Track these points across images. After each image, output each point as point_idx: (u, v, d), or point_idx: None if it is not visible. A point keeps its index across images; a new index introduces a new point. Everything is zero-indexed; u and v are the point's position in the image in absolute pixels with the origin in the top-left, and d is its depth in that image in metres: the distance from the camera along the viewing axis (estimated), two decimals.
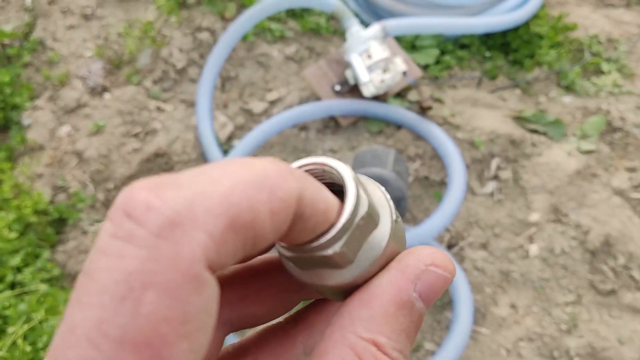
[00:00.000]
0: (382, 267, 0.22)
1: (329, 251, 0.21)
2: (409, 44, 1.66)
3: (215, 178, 0.17)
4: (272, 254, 0.25)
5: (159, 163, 1.46)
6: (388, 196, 0.24)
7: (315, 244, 0.21)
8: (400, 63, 1.40)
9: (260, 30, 1.68)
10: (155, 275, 0.15)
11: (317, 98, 1.52)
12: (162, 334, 0.14)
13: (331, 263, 0.22)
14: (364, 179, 0.24)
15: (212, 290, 0.16)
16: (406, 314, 0.21)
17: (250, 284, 0.24)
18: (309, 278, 0.23)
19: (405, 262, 0.21)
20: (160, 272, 0.15)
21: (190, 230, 0.15)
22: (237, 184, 0.17)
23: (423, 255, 0.21)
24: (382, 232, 0.23)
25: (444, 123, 1.47)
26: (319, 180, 0.23)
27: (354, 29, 1.40)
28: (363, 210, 0.22)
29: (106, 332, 0.14)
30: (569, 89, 1.60)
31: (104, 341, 0.14)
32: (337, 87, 1.48)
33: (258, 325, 0.25)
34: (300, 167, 0.23)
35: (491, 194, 1.38)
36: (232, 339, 0.91)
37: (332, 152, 1.46)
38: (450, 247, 1.31)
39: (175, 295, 0.15)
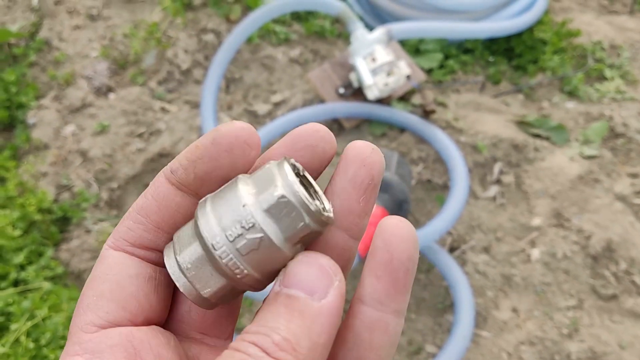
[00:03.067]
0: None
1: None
2: (413, 47, 1.67)
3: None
4: None
5: (163, 163, 1.46)
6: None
7: None
8: (404, 67, 1.41)
9: (265, 33, 1.69)
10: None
11: (321, 100, 1.52)
12: (84, 292, 0.27)
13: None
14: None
15: (111, 258, 0.27)
16: (275, 303, 0.23)
17: None
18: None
19: None
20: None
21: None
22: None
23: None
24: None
25: (447, 127, 1.48)
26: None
27: (359, 32, 1.40)
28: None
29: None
30: (572, 94, 1.61)
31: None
32: (341, 90, 1.49)
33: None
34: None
35: (493, 198, 1.38)
36: None
37: (336, 155, 1.46)
38: (452, 250, 1.31)
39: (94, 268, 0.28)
